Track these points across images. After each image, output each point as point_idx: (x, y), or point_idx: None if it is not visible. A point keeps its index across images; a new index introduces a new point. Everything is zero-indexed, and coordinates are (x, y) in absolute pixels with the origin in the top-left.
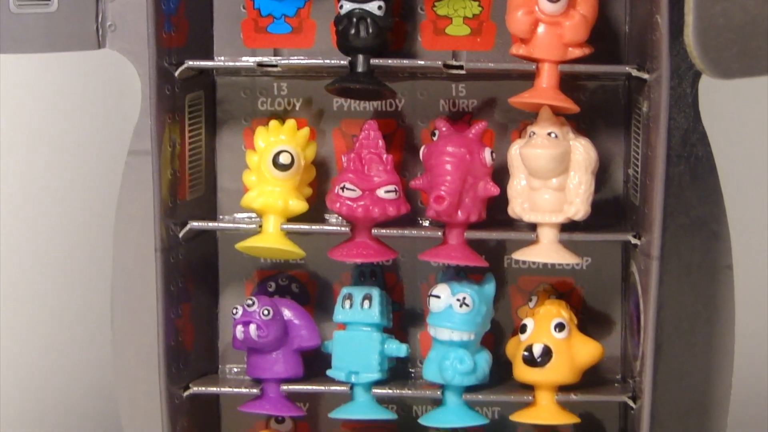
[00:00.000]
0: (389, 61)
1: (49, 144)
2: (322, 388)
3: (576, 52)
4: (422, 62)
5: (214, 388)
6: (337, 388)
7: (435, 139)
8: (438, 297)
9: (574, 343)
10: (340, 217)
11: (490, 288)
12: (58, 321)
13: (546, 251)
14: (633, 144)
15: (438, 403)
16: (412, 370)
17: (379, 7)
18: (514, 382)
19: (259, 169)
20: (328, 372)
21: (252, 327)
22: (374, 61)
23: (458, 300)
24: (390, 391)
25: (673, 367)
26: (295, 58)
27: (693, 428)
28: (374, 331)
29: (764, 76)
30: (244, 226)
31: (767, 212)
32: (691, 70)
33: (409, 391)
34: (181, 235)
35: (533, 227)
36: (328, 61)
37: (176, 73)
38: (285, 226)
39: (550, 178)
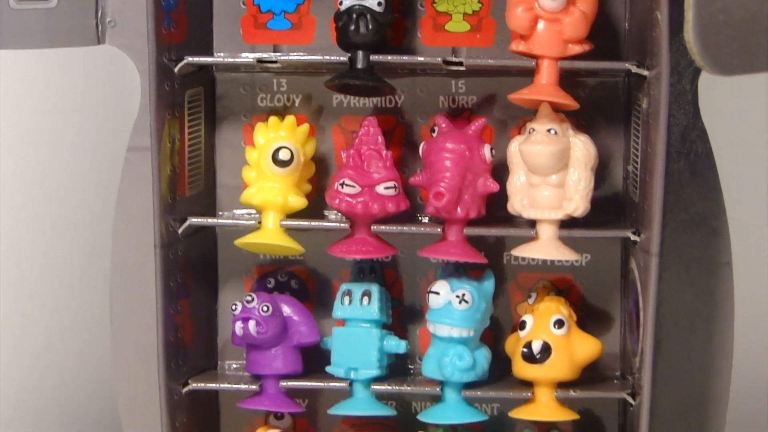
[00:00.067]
0: (389, 58)
1: (48, 140)
2: (322, 384)
3: (576, 49)
4: (422, 59)
5: (213, 384)
6: (336, 384)
7: (434, 135)
8: (437, 293)
9: (574, 340)
10: (339, 214)
11: (489, 284)
12: (57, 317)
13: (545, 248)
14: (632, 140)
15: (437, 399)
16: (411, 367)
17: (379, 4)
18: (513, 379)
19: (259, 165)
20: (327, 368)
21: (251, 323)
22: (374, 58)
23: (457, 296)
24: (389, 387)
25: (672, 363)
26: (295, 54)
27: (692, 424)
28: (373, 327)
29: (764, 72)
30: (244, 222)
31: (767, 209)
32: (691, 66)
33: (408, 388)
34: (180, 231)
35: (533, 224)
36: (327, 57)
37: (176, 69)
38: (284, 223)
39: (550, 175)
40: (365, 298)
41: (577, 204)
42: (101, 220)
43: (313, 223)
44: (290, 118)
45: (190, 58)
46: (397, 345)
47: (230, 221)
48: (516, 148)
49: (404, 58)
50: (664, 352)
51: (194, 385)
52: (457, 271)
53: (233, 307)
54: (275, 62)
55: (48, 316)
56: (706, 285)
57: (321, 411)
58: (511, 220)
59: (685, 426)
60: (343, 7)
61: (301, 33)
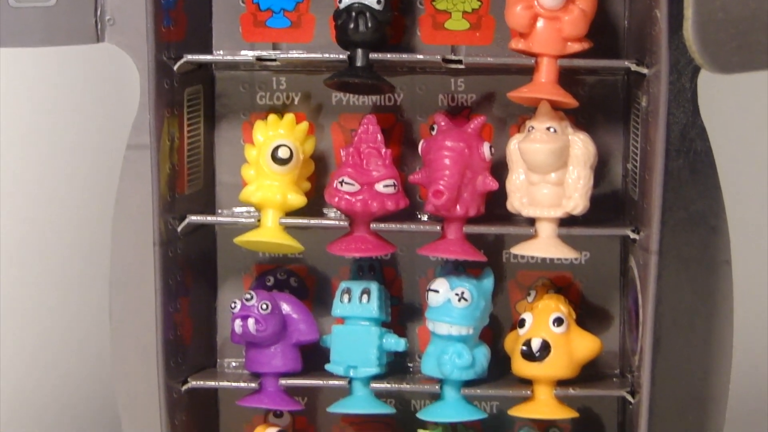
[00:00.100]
0: (388, 56)
1: (47, 138)
2: (321, 382)
3: (575, 47)
4: (421, 57)
5: (213, 382)
6: (336, 382)
7: (434, 133)
8: (437, 291)
9: (573, 338)
10: (338, 212)
11: (488, 282)
12: (56, 315)
13: (545, 246)
14: (632, 138)
15: (436, 397)
16: (411, 365)
17: (378, 2)
18: (512, 377)
19: (258, 163)
20: (327, 366)
21: (250, 321)
22: (373, 56)
23: (457, 294)
24: (388, 385)
25: (671, 361)
26: (294, 52)
27: (691, 423)
28: (373, 325)
29: (763, 70)
30: (243, 220)
31: (766, 207)
32: (690, 64)
33: (408, 386)
34: (179, 229)
35: (532, 222)
36: (326, 55)
37: (175, 68)
38: (283, 221)
39: (549, 173)
40: (364, 296)
41: (577, 202)
42: (100, 218)
43: (312, 221)
44: (289, 116)
45: (190, 57)
46: (396, 343)
47: (229, 219)
48: (515, 146)
49: (403, 56)
50: (663, 350)
51: (193, 383)
52: (457, 269)
53: (232, 305)
54: (274, 60)
55: (47, 314)
56: (706, 283)
57: (320, 409)
58: (511, 219)
59: (684, 424)
60: (342, 5)
61: (300, 31)
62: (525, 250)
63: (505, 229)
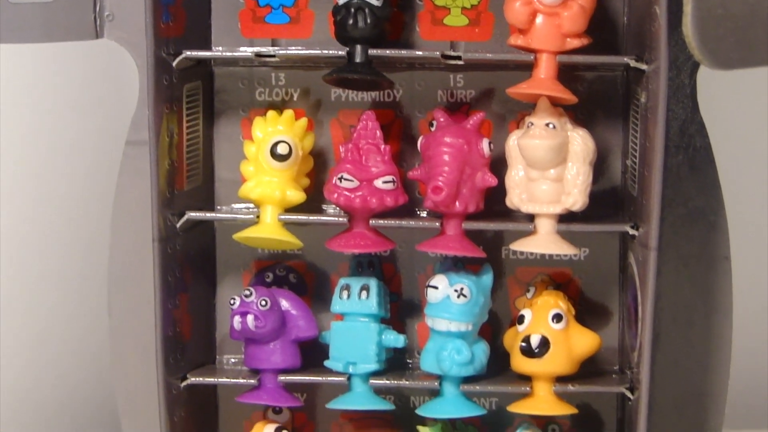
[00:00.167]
0: (387, 52)
1: (46, 134)
2: (320, 378)
3: (574, 43)
4: (420, 53)
5: (212, 379)
6: (335, 378)
7: (433, 129)
8: (436, 288)
9: (572, 334)
10: (337, 208)
11: (487, 279)
12: (54, 311)
13: (544, 242)
14: (631, 135)
15: (435, 393)
16: (410, 361)
17: None
18: (511, 373)
19: (257, 159)
20: (326, 363)
21: (249, 317)
22: (372, 52)
23: (456, 291)
24: (387, 381)
25: (670, 358)
26: (293, 48)
27: (690, 419)
28: (372, 321)
29: (763, 66)
30: (242, 216)
31: (765, 203)
32: (690, 60)
33: (407, 382)
34: (178, 225)
35: (531, 218)
36: (325, 51)
37: (174, 64)
38: (283, 217)
39: (548, 169)
40: (363, 293)
41: (576, 198)
42: (99, 214)
43: (311, 218)
44: (288, 113)
45: (189, 53)
46: (395, 339)
47: (228, 215)
48: (514, 143)
49: (402, 52)
50: (662, 347)
51: (192, 380)
52: (456, 265)
53: (231, 302)
54: (273, 56)
55: (46, 311)
56: (705, 279)
57: (319, 405)
58: (510, 215)
59: (683, 420)
60: (341, 1)
61: (299, 27)
62: (524, 246)
63: (504, 226)
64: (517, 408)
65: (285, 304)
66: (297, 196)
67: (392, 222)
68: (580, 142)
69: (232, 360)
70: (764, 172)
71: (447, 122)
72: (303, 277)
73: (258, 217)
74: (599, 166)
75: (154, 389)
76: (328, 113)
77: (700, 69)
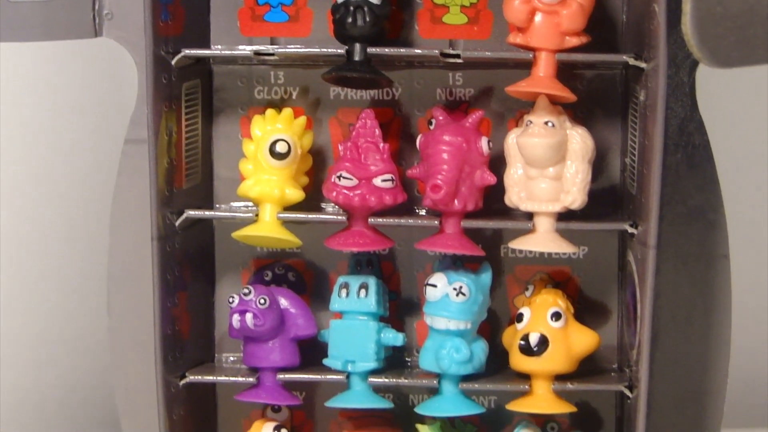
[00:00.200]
0: (386, 50)
1: (45, 133)
2: (319, 377)
3: (573, 41)
4: (419, 51)
5: (211, 377)
6: (334, 377)
7: (432, 128)
8: (434, 286)
9: (571, 333)
10: (336, 206)
11: (486, 277)
12: (53, 309)
13: (543, 240)
14: (630, 133)
15: (434, 392)
16: (409, 359)
17: None
18: (510, 372)
19: (256, 157)
20: (325, 361)
21: (248, 316)
22: (371, 50)
23: (455, 289)
24: (386, 380)
25: (669, 356)
26: (292, 46)
27: (690, 417)
28: (371, 320)
29: (762, 64)
30: (241, 214)
31: (765, 201)
32: (689, 59)
33: (406, 380)
34: (177, 223)
35: (530, 216)
36: (324, 49)
37: (173, 62)
38: (281, 215)
39: (547, 167)
40: (362, 291)
41: (575, 196)
42: (98, 213)
43: (310, 216)
44: (287, 111)
45: (187, 51)
46: (394, 337)
47: (227, 214)
48: (513, 141)
49: (401, 50)
50: (661, 345)
51: (191, 378)
52: (455, 263)
53: (230, 300)
54: (272, 54)
55: (45, 309)
56: (704, 277)
57: (318, 403)
58: (509, 213)
59: (682, 418)
60: (340, 0)
61: (298, 25)
62: (523, 244)
63: (503, 224)
64: (516, 406)
65: (284, 302)
66: (296, 194)
67: (391, 220)
68: (579, 141)
69: (231, 358)
70: (763, 170)
71: (446, 120)
72: (302, 275)
73: (257, 215)
74: (598, 164)
75: (153, 387)
76: (327, 111)
77: (699, 67)
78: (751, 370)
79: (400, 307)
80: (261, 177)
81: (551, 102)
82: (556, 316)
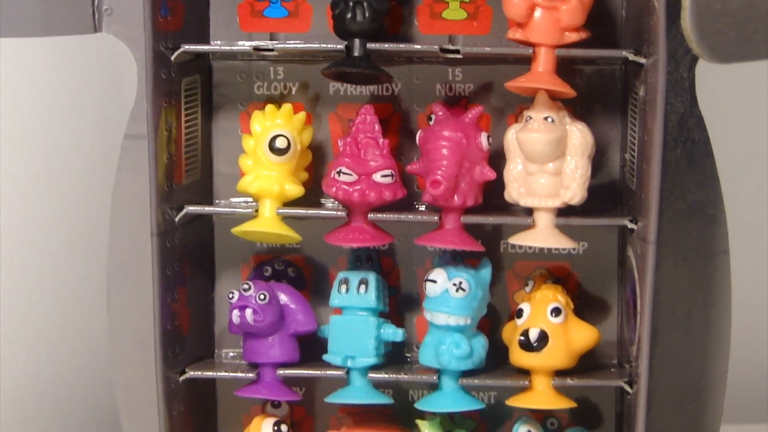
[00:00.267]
0: (385, 46)
1: (44, 129)
2: (318, 372)
3: (573, 37)
4: (419, 46)
5: (210, 373)
6: (333, 372)
7: (431, 123)
8: (434, 281)
9: (571, 328)
10: (336, 202)
11: (486, 273)
12: (53, 305)
13: (542, 236)
14: (629, 128)
15: (434, 387)
16: (408, 355)
17: None
18: (510, 367)
19: (256, 153)
20: (324, 357)
21: (248, 311)
22: (370, 46)
23: (454, 285)
24: (386, 375)
25: (669, 351)
26: (292, 42)
27: (689, 413)
28: (370, 315)
29: (761, 60)
30: (241, 210)
31: (764, 197)
32: (688, 54)
33: (405, 376)
34: (177, 219)
35: (530, 212)
36: (324, 45)
37: (172, 58)
38: (281, 211)
39: (547, 163)
40: (362, 287)
41: (574, 192)
42: (98, 208)
43: (310, 212)
44: (287, 106)
45: (187, 46)
46: (394, 333)
47: (227, 209)
48: (513, 136)
49: (401, 46)
50: (661, 341)
51: (191, 374)
52: (454, 259)
53: (230, 296)
54: (272, 50)
55: (45, 305)
56: (704, 273)
57: (318, 399)
58: (508, 209)
59: (682, 414)
60: None
61: (297, 21)
62: (523, 240)
63: (502, 219)
64: (516, 402)
65: (284, 298)
66: (295, 190)
67: (391, 216)
68: (579, 136)
69: (231, 354)
70: (763, 165)
71: (445, 116)
72: (301, 271)
73: (256, 211)
74: (598, 159)
75: (153, 383)
76: (326, 107)
77: (698, 62)
78: (751, 365)
79: (400, 302)
80: (260, 173)
81: (551, 97)
82: (556, 311)
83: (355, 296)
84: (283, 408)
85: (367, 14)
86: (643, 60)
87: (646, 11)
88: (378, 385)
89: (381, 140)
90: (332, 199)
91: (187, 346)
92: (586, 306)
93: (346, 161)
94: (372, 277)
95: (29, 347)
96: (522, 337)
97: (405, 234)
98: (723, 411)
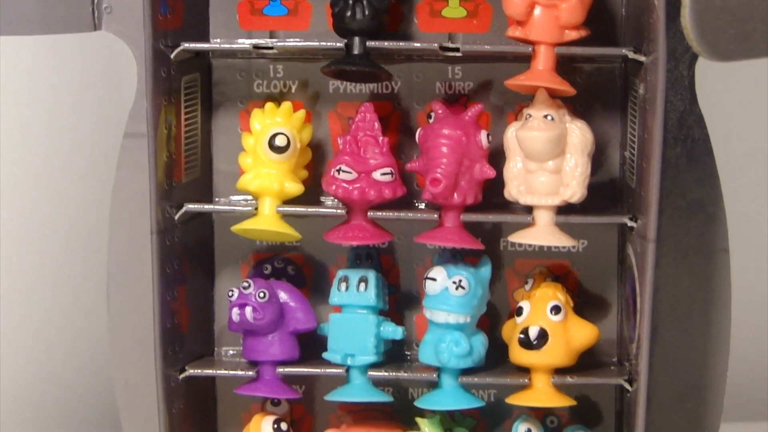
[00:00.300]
0: (385, 44)
1: (43, 127)
2: (318, 370)
3: (572, 35)
4: (418, 44)
5: (210, 371)
6: (333, 370)
7: (431, 121)
8: (434, 279)
9: (570, 326)
10: (336, 200)
11: (486, 270)
12: (53, 303)
13: (542, 234)
14: (629, 126)
15: (434, 385)
16: (408, 353)
17: None
18: (510, 365)
19: (255, 151)
20: (324, 354)
21: (248, 309)
22: (370, 44)
23: (454, 283)
24: (386, 373)
25: (669, 349)
26: (291, 40)
27: (689, 410)
28: (370, 313)
29: (761, 58)
30: (240, 208)
31: (764, 195)
32: (688, 52)
33: (405, 374)
34: (176, 217)
35: (529, 210)
36: (324, 43)
37: (172, 56)
38: (281, 209)
39: (546, 161)
40: (362, 285)
41: (574, 190)
42: (98, 207)
43: (309, 210)
44: (287, 105)
45: (187, 45)
46: (393, 331)
47: (227, 207)
48: (513, 134)
49: (401, 44)
50: (661, 338)
51: (191, 372)
52: (454, 257)
53: (230, 294)
54: (272, 48)
55: (44, 303)
56: (704, 271)
57: (318, 397)
58: (508, 207)
59: (682, 412)
60: None
61: (297, 19)
62: (522, 238)
63: (502, 217)
64: (516, 400)
65: (283, 296)
66: (295, 188)
67: (390, 214)
68: (579, 134)
69: (231, 352)
70: (763, 163)
71: (445, 114)
72: (301, 269)
73: (256, 209)
74: (597, 157)
75: (153, 381)
76: (326, 105)
77: (698, 60)
78: (751, 363)
79: (400, 300)
80: (260, 171)
81: (550, 95)
82: (556, 309)
83: (354, 294)
84: (282, 406)
85: (366, 12)
86: (642, 58)
87: (645, 9)
88: (378, 383)
89: (381, 138)
90: (332, 197)
91: (187, 344)
92: (586, 304)
93: (346, 159)
94: (372, 275)
95: (29, 345)
96: (522, 335)
97: (405, 232)
98: (723, 409)
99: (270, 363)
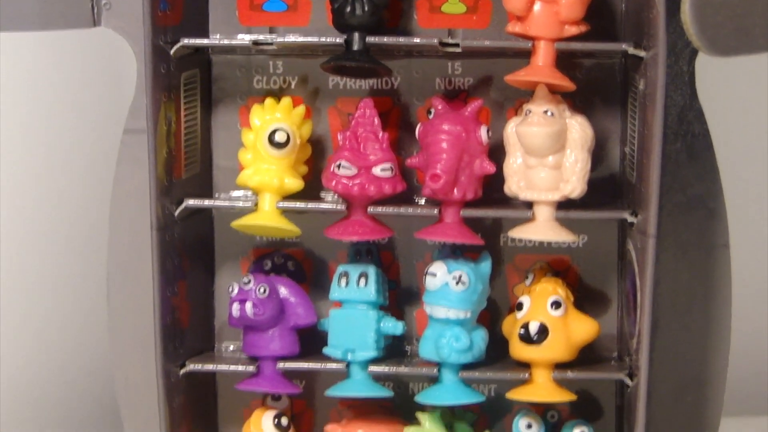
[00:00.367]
0: (385, 39)
1: (43, 123)
2: (319, 365)
3: (572, 30)
4: (418, 40)
5: (211, 366)
6: (334, 365)
7: (431, 117)
8: (434, 275)
9: (571, 321)
10: (336, 195)
11: (486, 266)
12: (54, 299)
13: (542, 229)
14: (629, 122)
15: (434, 380)
16: (408, 348)
17: None
18: (510, 360)
19: (255, 147)
20: (324, 350)
21: (248, 305)
22: (370, 39)
23: (454, 278)
24: (386, 368)
25: (669, 344)
26: (291, 36)
27: (690, 405)
28: (370, 309)
29: (761, 53)
30: (240, 204)
31: (764, 190)
32: (688, 47)
33: (406, 369)
34: (176, 213)
35: (529, 205)
36: (323, 39)
37: (171, 52)
38: (281, 204)
39: (546, 156)
40: (362, 280)
41: (574, 185)
42: (98, 203)
43: (309, 205)
44: (286, 100)
45: (186, 41)
46: (393, 326)
47: (227, 203)
48: (512, 130)
49: (400, 39)
50: (661, 333)
51: (191, 367)
52: (454, 252)
53: (230, 289)
54: (271, 44)
55: (45, 299)
56: (704, 266)
57: (318, 392)
58: (508, 202)
59: (682, 406)
60: None
61: (297, 15)
62: (522, 233)
63: (502, 213)
64: (516, 395)
65: (283, 291)
66: (295, 183)
67: (390, 209)
68: (579, 130)
69: (231, 347)
70: (763, 158)
71: (445, 110)
72: (301, 264)
73: (256, 204)
74: (598, 153)
75: (153, 376)
76: (326, 101)
77: (698, 56)
78: (751, 358)
79: (400, 296)
80: (260, 166)
81: (550, 91)
82: (556, 304)
83: (354, 290)
84: (283, 401)
85: (366, 8)
86: (642, 53)
87: (645, 4)
88: (378, 379)
89: (380, 134)
90: (332, 193)
91: (187, 339)
92: (586, 299)
93: (346, 155)
94: (372, 271)
95: (29, 341)
96: (522, 330)
97: (405, 227)
98: (723, 403)
99: (270, 358)
